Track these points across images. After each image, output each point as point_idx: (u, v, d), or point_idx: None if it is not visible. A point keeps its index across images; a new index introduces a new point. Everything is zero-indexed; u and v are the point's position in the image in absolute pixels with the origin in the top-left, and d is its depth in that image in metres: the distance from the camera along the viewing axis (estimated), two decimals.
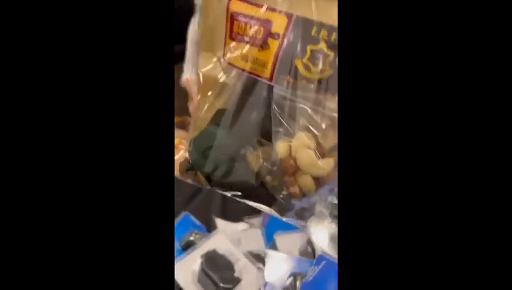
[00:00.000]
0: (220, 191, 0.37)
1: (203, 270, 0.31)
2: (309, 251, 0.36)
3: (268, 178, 0.36)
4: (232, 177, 0.36)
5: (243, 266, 0.32)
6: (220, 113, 0.40)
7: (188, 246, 0.33)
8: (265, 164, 0.36)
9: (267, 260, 0.33)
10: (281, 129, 0.37)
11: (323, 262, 0.35)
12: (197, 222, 0.36)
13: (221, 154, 0.37)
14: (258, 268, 0.32)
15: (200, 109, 0.41)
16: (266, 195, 0.36)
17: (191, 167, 0.38)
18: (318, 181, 0.36)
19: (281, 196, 0.36)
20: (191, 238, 0.33)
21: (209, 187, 0.37)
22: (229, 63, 0.37)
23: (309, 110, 0.36)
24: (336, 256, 0.38)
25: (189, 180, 0.40)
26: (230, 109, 0.39)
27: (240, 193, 0.36)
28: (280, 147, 0.36)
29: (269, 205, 0.37)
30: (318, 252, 0.37)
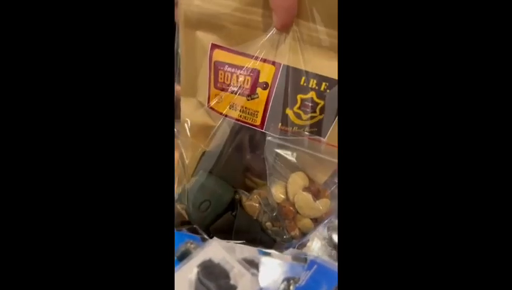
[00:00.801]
0: (222, 241, 0.37)
1: (199, 280, 0.32)
2: (301, 256, 0.38)
3: (268, 224, 0.36)
4: (233, 227, 0.36)
5: (237, 273, 0.33)
6: (207, 157, 0.39)
7: (184, 256, 0.33)
8: (264, 208, 0.37)
9: (261, 266, 0.35)
10: (274, 173, 0.37)
11: (315, 266, 0.38)
12: None
13: (218, 207, 0.36)
14: (253, 274, 0.34)
15: (188, 152, 0.40)
16: (268, 240, 0.37)
17: (187, 221, 0.37)
18: (316, 220, 0.37)
19: (282, 239, 0.37)
20: (187, 248, 0.34)
21: (209, 239, 0.37)
22: (217, 111, 0.36)
23: (301, 154, 0.36)
24: (327, 259, 0.40)
25: (185, 231, 0.39)
26: (219, 152, 0.39)
27: (242, 241, 0.37)
28: (277, 192, 0.36)
29: (271, 248, 0.38)
30: (310, 257, 0.39)
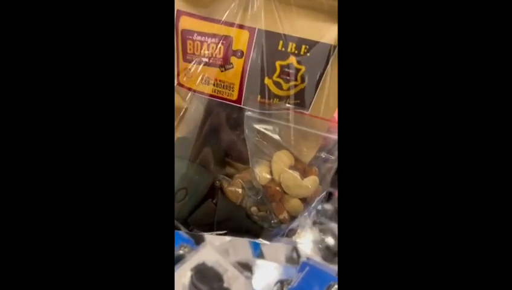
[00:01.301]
0: (203, 233, 0.33)
1: (193, 283, 0.32)
2: (294, 258, 0.37)
3: (254, 209, 0.33)
4: (214, 216, 0.32)
5: (231, 276, 0.33)
6: (181, 143, 0.35)
7: (177, 260, 0.33)
8: (247, 192, 0.33)
9: (254, 269, 0.34)
10: (256, 153, 0.34)
11: (307, 268, 0.37)
12: (185, 236, 0.35)
13: (196, 195, 0.32)
14: (246, 277, 0.34)
15: None
16: (254, 227, 0.34)
17: None
18: (305, 200, 0.34)
19: (270, 224, 0.33)
20: (180, 252, 0.34)
21: (189, 232, 0.33)
22: (186, 87, 0.32)
23: (283, 128, 0.33)
24: (319, 260, 0.39)
25: None
26: (194, 137, 0.35)
27: (225, 231, 0.33)
28: (261, 172, 0.33)
29: (258, 236, 0.34)
30: (302, 259, 0.38)
